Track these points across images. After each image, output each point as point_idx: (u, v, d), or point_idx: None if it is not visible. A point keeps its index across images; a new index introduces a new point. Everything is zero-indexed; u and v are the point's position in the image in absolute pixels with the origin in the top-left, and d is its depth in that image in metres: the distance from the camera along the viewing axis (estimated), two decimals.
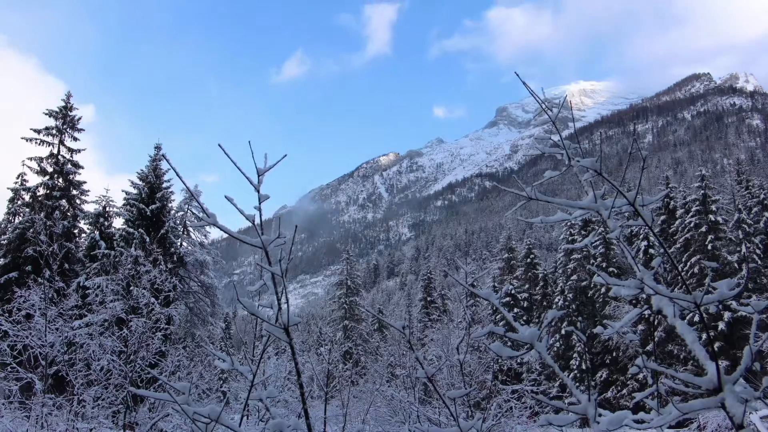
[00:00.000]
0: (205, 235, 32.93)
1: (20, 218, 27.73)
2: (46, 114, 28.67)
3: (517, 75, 2.62)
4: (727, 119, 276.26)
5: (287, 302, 2.55)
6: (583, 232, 41.63)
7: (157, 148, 30.52)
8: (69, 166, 28.64)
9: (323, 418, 6.35)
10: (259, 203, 2.54)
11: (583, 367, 37.06)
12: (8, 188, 28.12)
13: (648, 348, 30.46)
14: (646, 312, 2.54)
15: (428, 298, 54.35)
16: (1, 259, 26.71)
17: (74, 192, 28.87)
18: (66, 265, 26.14)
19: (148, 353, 11.68)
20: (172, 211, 30.31)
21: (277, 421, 2.52)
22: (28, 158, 28.13)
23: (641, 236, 35.40)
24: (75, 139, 29.21)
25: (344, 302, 53.70)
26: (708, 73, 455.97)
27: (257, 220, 2.52)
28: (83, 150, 29.31)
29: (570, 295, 41.66)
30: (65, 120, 28.85)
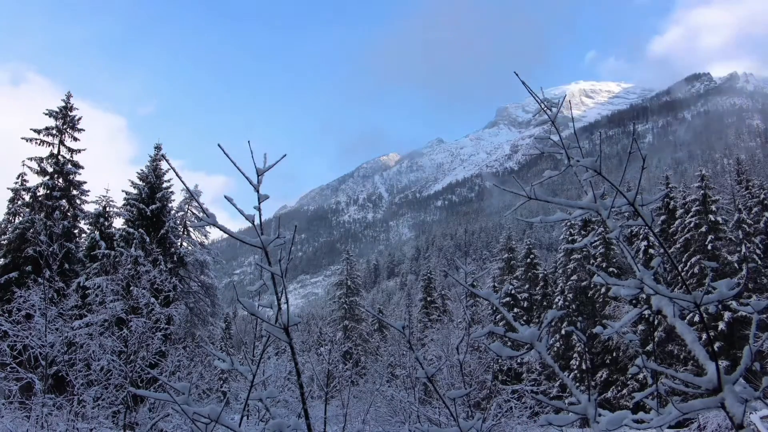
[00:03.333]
0: (205, 235, 32.96)
1: (20, 218, 27.72)
2: (46, 114, 28.65)
3: (517, 75, 2.62)
4: (727, 119, 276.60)
5: (287, 302, 2.55)
6: (583, 232, 41.64)
7: (157, 148, 30.53)
8: (69, 166, 28.63)
9: (323, 418, 6.35)
10: (259, 203, 2.53)
11: (583, 367, 37.07)
12: (8, 188, 28.14)
13: (648, 348, 30.47)
14: (646, 312, 2.54)
15: (428, 298, 54.31)
16: (1, 259, 26.71)
17: (74, 192, 28.85)
18: (66, 265, 26.13)
19: (148, 353, 11.68)
20: (172, 211, 30.31)
21: (277, 421, 2.52)
22: (28, 158, 28.13)
23: (641, 236, 35.40)
24: (75, 139, 29.20)
25: (344, 302, 53.69)
26: (708, 73, 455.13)
27: (257, 220, 2.52)
28: (83, 150, 29.35)
29: (570, 295, 41.66)
30: (65, 120, 28.84)
